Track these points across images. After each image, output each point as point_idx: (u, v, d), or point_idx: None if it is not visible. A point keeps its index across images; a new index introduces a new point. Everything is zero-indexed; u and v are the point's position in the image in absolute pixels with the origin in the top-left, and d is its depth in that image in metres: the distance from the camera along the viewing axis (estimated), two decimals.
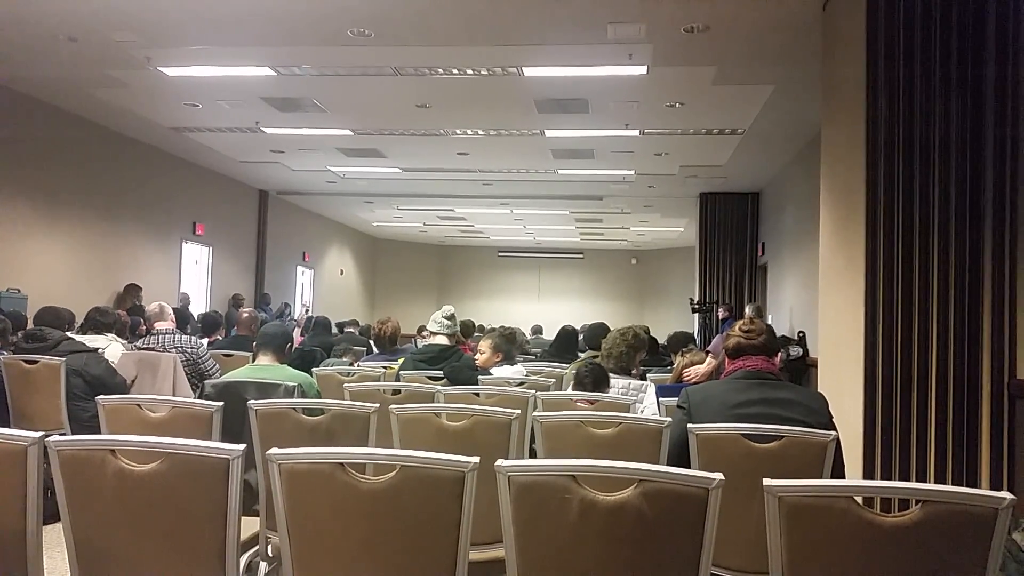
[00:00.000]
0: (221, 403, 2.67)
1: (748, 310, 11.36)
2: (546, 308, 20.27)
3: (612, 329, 4.95)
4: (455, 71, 7.26)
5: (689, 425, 2.46)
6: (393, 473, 1.63)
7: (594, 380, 3.68)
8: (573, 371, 4.35)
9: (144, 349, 5.28)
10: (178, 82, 7.87)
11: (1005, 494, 1.48)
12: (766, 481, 1.54)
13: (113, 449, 1.71)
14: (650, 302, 21.13)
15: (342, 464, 1.64)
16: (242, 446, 1.66)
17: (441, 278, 22.57)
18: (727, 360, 2.74)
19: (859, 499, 1.56)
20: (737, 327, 2.76)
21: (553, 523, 1.61)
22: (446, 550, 1.64)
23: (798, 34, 6.02)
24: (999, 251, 4.55)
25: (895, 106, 4.61)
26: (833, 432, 2.42)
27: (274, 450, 1.66)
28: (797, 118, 8.26)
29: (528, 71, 7.20)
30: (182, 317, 7.70)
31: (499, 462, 1.62)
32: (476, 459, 1.63)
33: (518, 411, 2.64)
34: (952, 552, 1.51)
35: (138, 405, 2.67)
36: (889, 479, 4.43)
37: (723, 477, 1.56)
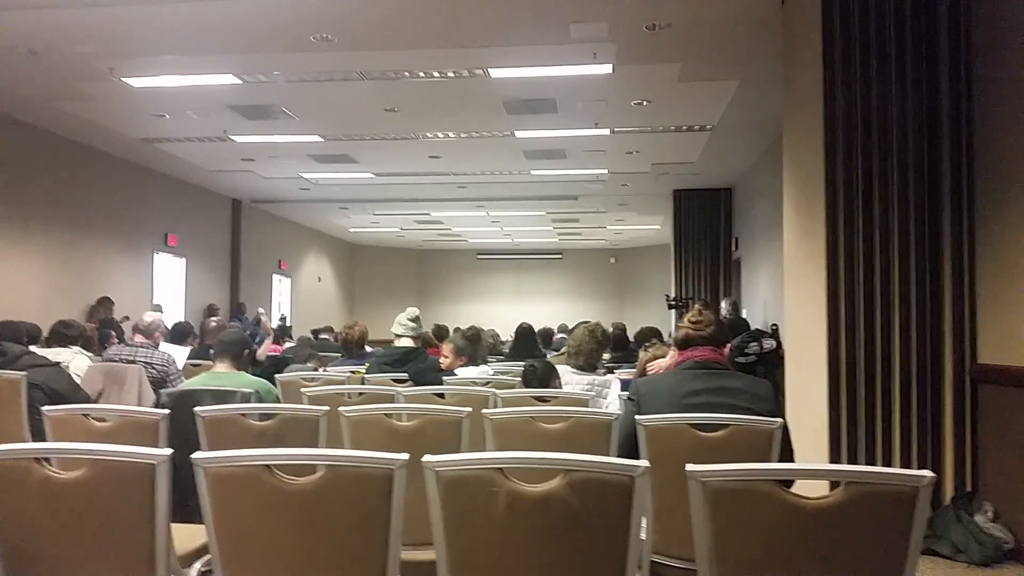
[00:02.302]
0: (167, 411, 2.65)
1: (724, 304, 11.42)
2: (526, 309, 20.24)
3: (581, 325, 4.95)
4: (421, 74, 7.25)
5: (636, 416, 2.47)
6: (319, 474, 1.62)
7: (539, 377, 3.70)
8: None
9: (112, 361, 5.24)
10: (144, 93, 7.81)
11: (925, 472, 1.49)
12: (688, 467, 1.55)
13: (38, 457, 1.69)
14: (630, 300, 21.20)
15: (268, 466, 1.63)
16: (168, 451, 1.65)
17: (421, 283, 22.54)
18: (677, 351, 2.75)
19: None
20: (686, 319, 2.77)
21: (482, 517, 1.60)
22: (376, 549, 1.63)
23: (760, 29, 6.06)
24: (957, 239, 4.61)
25: (852, 101, 4.66)
26: (779, 419, 2.43)
27: (199, 454, 1.64)
28: (765, 113, 8.30)
29: (494, 72, 7.20)
30: (183, 331, 7.58)
31: (426, 458, 1.61)
32: (405, 456, 1.62)
33: (469, 409, 2.64)
34: (875, 531, 1.51)
35: (84, 415, 2.64)
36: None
37: (648, 464, 1.56)
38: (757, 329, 9.23)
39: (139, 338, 5.50)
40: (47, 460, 1.76)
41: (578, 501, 1.56)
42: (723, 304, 11.37)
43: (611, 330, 7.09)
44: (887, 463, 4.55)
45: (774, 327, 8.98)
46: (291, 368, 5.02)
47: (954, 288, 4.61)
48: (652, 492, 2.45)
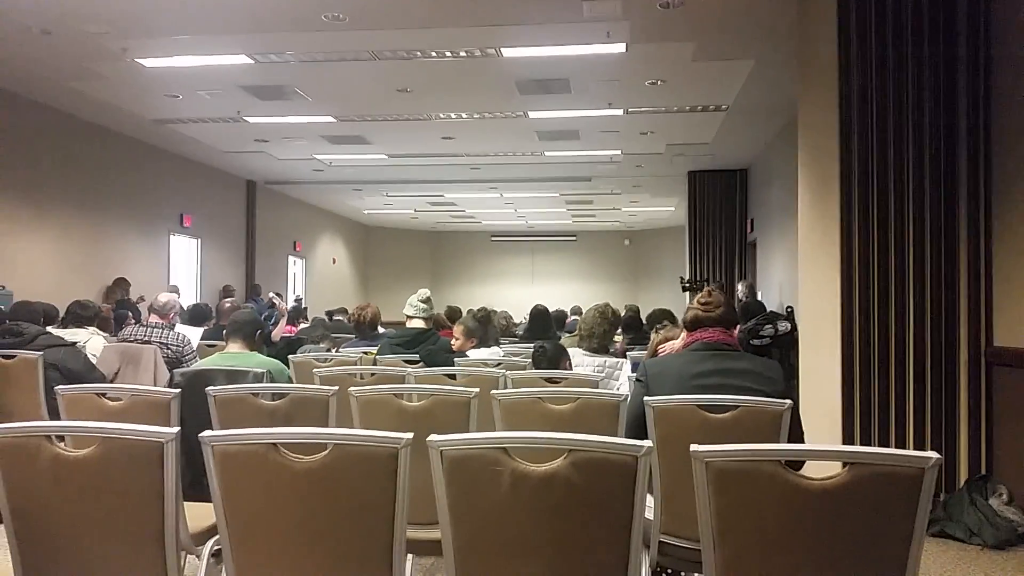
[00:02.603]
0: (179, 390, 2.68)
1: (740, 287, 11.36)
2: (541, 291, 20.24)
3: (592, 308, 4.95)
4: (433, 54, 7.21)
5: (645, 398, 2.47)
6: (326, 452, 1.63)
7: (549, 359, 3.70)
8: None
9: (127, 342, 5.29)
10: (156, 73, 7.83)
11: (931, 454, 1.48)
12: (692, 447, 1.55)
13: (49, 435, 1.71)
14: (644, 282, 21.15)
15: (275, 444, 1.64)
16: (175, 429, 1.66)
17: (435, 264, 22.57)
18: (686, 333, 2.75)
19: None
20: (696, 300, 2.76)
21: (486, 496, 1.61)
22: (383, 527, 1.64)
23: (775, 8, 5.98)
24: (974, 220, 4.56)
25: (868, 82, 4.62)
26: (788, 400, 2.42)
27: (207, 432, 1.66)
28: (780, 93, 8.21)
29: (506, 52, 7.15)
30: (201, 313, 7.66)
31: (431, 437, 1.61)
32: (409, 435, 1.63)
33: (477, 389, 2.64)
34: (881, 512, 1.51)
35: (96, 394, 2.67)
36: None
37: (651, 444, 1.56)
38: (772, 312, 9.17)
39: (154, 318, 5.55)
40: (60, 438, 1.78)
41: (582, 480, 1.56)
42: (739, 287, 11.31)
43: (624, 312, 7.09)
44: (901, 446, 4.54)
45: (789, 309, 8.93)
46: (305, 349, 5.05)
47: (970, 269, 4.56)
48: (660, 473, 2.45)
